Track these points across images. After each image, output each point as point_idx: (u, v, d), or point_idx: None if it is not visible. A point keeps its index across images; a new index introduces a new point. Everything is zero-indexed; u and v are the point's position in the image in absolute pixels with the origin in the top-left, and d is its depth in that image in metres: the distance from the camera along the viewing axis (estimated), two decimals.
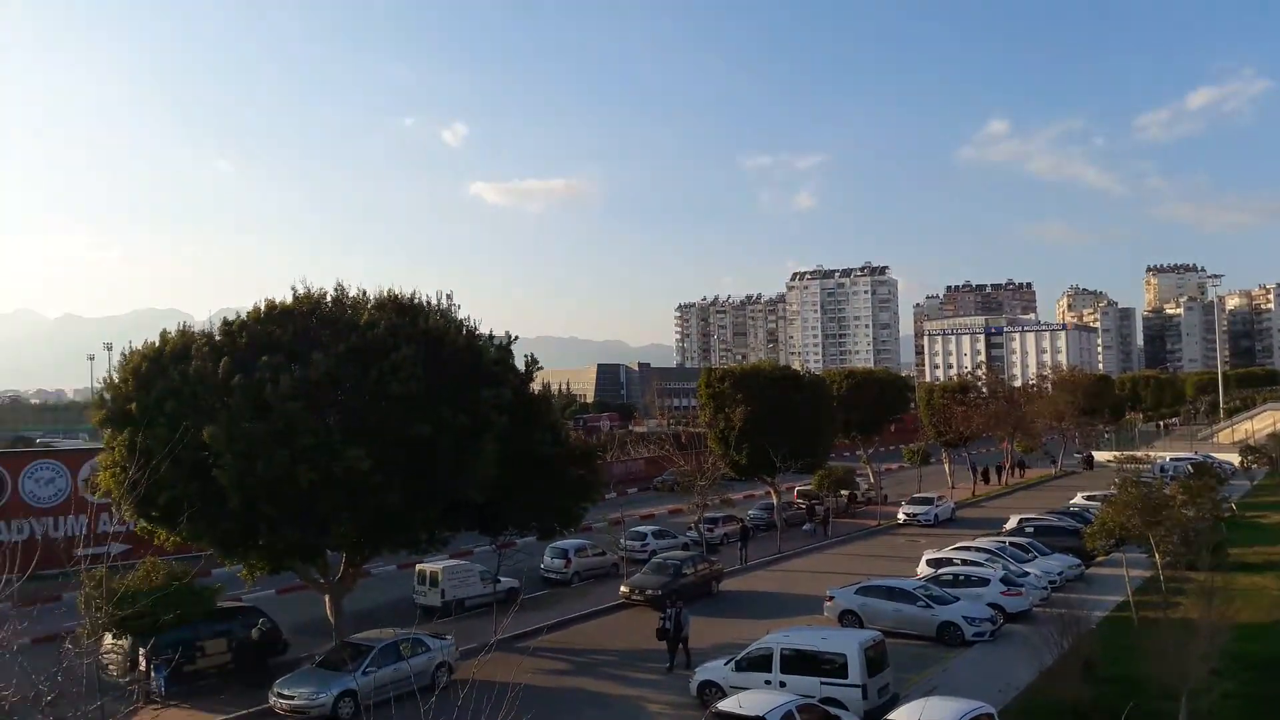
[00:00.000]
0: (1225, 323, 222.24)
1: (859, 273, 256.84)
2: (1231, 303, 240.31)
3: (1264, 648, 21.63)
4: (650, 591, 30.80)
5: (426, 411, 21.53)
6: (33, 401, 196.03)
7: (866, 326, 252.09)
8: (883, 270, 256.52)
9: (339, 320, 22.66)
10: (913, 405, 75.87)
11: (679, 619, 24.33)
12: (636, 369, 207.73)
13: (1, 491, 35.91)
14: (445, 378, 22.38)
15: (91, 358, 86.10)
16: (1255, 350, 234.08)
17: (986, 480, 66.60)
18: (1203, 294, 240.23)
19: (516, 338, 27.32)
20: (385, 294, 23.99)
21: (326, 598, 24.38)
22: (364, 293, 24.01)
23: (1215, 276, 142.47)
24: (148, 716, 17.43)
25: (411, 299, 24.17)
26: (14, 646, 14.26)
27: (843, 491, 53.66)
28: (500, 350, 25.61)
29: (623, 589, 31.76)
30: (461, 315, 24.82)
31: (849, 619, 26.77)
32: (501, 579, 31.88)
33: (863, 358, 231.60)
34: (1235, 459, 65.74)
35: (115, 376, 22.12)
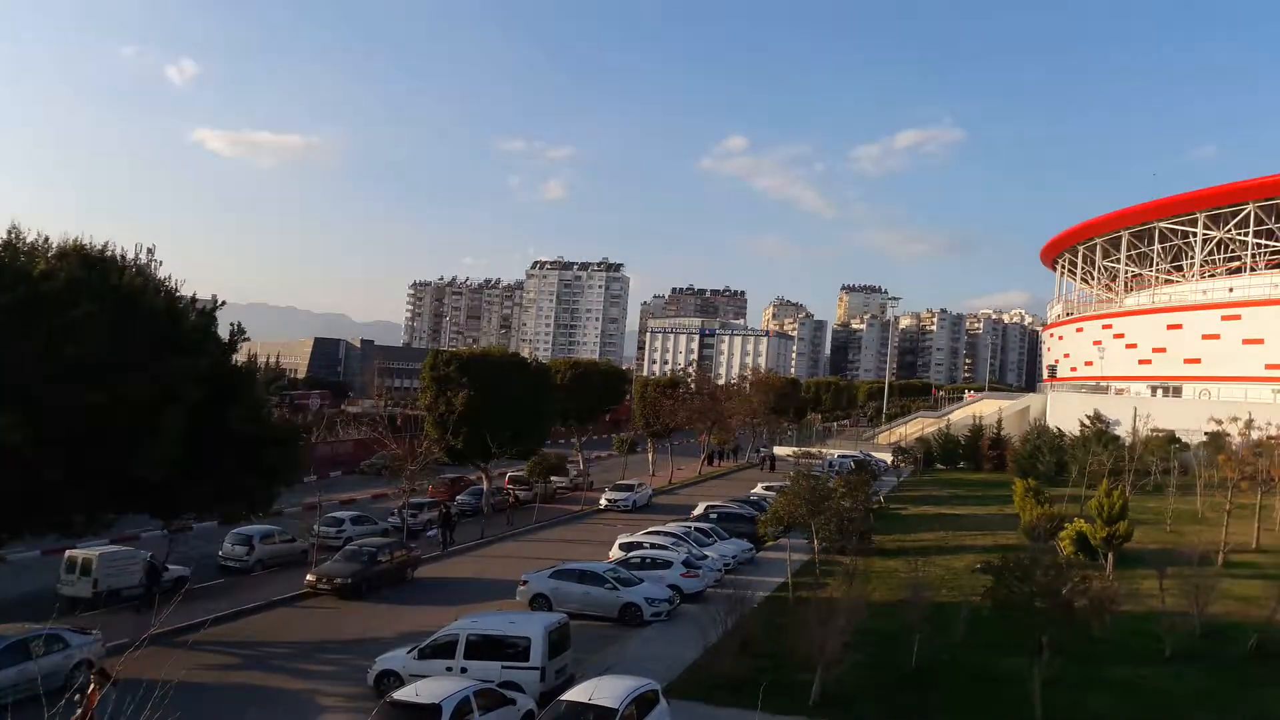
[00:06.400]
0: (896, 340, 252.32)
1: (595, 267, 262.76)
2: (904, 323, 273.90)
3: (891, 623, 25.14)
4: (339, 580, 30.19)
5: (104, 378, 19.78)
6: None
7: (596, 320, 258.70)
8: (618, 267, 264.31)
9: (6, 268, 20.22)
10: (628, 397, 79.73)
11: None
12: (359, 345, 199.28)
13: None
14: (134, 343, 20.66)
15: None
16: (917, 365, 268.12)
17: (711, 462, 77.55)
18: (883, 313, 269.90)
19: (223, 303, 25.89)
20: (71, 243, 21.68)
21: None
22: (45, 239, 21.58)
23: (894, 299, 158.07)
24: None
25: (103, 251, 22.10)
26: None
27: (553, 478, 55.39)
28: (203, 316, 24.01)
29: (309, 577, 30.75)
30: (164, 274, 23.18)
31: (540, 603, 27.92)
32: (170, 566, 29.67)
33: (590, 349, 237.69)
34: (889, 458, 78.00)
35: None
